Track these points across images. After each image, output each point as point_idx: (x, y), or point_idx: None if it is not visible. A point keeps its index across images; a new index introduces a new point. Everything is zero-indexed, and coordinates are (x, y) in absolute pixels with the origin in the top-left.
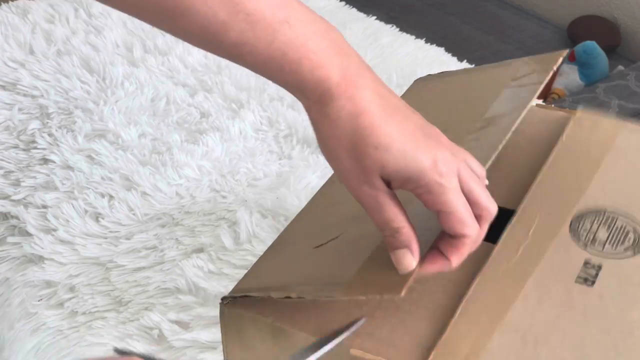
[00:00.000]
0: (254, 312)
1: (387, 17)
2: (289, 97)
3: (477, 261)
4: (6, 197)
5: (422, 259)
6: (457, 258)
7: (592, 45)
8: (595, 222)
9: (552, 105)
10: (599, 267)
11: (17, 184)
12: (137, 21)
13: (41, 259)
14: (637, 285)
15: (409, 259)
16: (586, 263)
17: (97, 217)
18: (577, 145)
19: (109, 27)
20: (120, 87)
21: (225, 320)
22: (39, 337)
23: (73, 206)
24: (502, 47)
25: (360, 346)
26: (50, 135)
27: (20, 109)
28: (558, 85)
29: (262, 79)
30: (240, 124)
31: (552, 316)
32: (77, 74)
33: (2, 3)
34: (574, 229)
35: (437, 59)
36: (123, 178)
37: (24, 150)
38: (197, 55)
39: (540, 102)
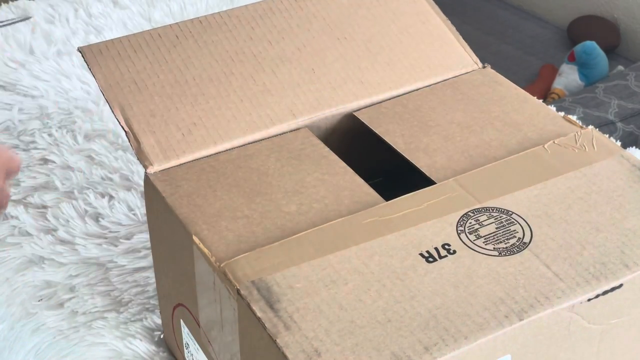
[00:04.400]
0: (166, 191)
1: None
2: None
3: (358, 207)
4: None
5: None
6: None
7: (592, 45)
8: (493, 219)
9: (562, 113)
10: (453, 252)
11: (17, 184)
12: (137, 21)
13: (41, 259)
14: (466, 277)
15: None
16: (445, 245)
17: (97, 217)
18: (554, 154)
19: (108, 27)
20: None
21: (146, 191)
22: (39, 337)
23: (73, 206)
24: (502, 47)
25: (199, 235)
26: (50, 135)
27: (20, 109)
28: (558, 85)
29: None
30: None
31: (365, 268)
32: (77, 74)
33: (2, 3)
34: (467, 215)
35: None
36: (123, 178)
37: (24, 150)
38: None
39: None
